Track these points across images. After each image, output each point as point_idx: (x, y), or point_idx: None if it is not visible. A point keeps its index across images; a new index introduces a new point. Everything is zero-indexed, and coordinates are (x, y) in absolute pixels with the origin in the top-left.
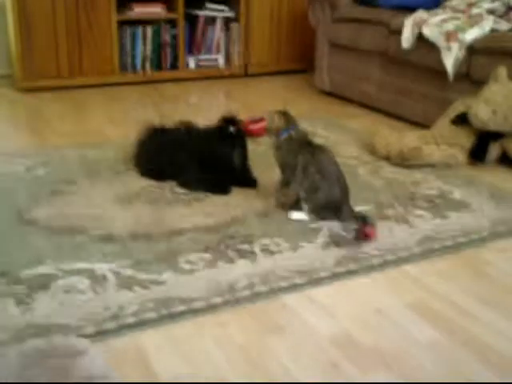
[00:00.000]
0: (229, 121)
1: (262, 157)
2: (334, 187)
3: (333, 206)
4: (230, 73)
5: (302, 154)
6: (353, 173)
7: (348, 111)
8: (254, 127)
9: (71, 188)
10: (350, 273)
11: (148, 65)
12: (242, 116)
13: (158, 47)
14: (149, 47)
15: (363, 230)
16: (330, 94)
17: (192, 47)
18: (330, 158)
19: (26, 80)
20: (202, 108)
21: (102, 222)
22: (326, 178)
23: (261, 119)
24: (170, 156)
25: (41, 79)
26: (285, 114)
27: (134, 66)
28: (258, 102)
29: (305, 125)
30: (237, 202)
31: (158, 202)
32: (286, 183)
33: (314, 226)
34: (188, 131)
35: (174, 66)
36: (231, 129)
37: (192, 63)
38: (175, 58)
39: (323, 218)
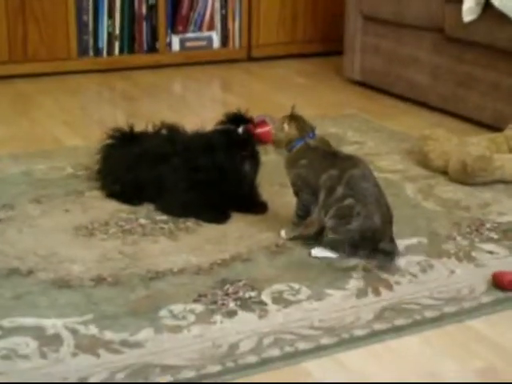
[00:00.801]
0: (236, 120)
1: (271, 169)
2: (372, 213)
3: (370, 239)
4: (227, 56)
5: (326, 170)
6: (396, 193)
7: (388, 108)
8: (262, 130)
9: (9, 215)
10: (395, 330)
11: (116, 46)
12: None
13: (130, 23)
14: (117, 23)
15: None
16: (362, 84)
17: (176, 23)
18: (365, 174)
19: None
20: (190, 105)
21: (55, 261)
22: (361, 201)
23: (267, 121)
24: (147, 171)
25: None
26: (295, 119)
27: (96, 49)
28: (265, 96)
29: (327, 127)
30: (238, 232)
31: (130, 233)
32: (304, 210)
33: (344, 265)
34: (172, 137)
35: (151, 48)
36: (240, 131)
37: (176, 44)
38: (153, 38)
39: (357, 255)
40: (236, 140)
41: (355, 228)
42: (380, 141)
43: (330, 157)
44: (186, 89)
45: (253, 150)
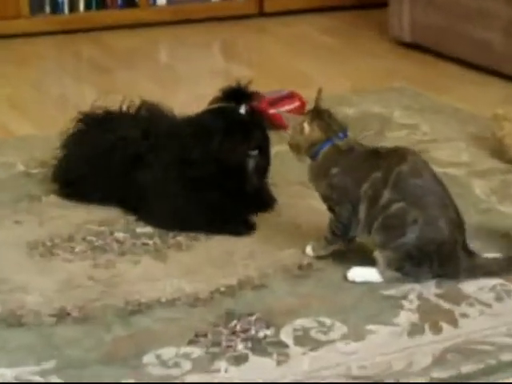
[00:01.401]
0: (237, 95)
1: (289, 163)
2: (435, 218)
3: (436, 253)
4: (231, 12)
5: (367, 175)
6: (461, 193)
7: (448, 78)
8: (279, 110)
9: None
10: (462, 378)
11: (81, 0)
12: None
13: None
14: None
15: None
16: (412, 46)
17: None
18: (417, 169)
19: None
20: (181, 78)
21: (3, 290)
22: (415, 204)
23: (288, 96)
24: (122, 168)
25: None
26: (319, 116)
27: (55, 4)
28: (281, 64)
29: (367, 106)
30: (247, 248)
31: (104, 251)
32: (343, 229)
33: (391, 291)
34: (154, 122)
35: (128, 2)
36: (242, 110)
37: None
38: None
39: (419, 276)
40: (238, 123)
41: (412, 241)
42: (438, 123)
43: (370, 157)
44: (176, 56)
45: (261, 137)
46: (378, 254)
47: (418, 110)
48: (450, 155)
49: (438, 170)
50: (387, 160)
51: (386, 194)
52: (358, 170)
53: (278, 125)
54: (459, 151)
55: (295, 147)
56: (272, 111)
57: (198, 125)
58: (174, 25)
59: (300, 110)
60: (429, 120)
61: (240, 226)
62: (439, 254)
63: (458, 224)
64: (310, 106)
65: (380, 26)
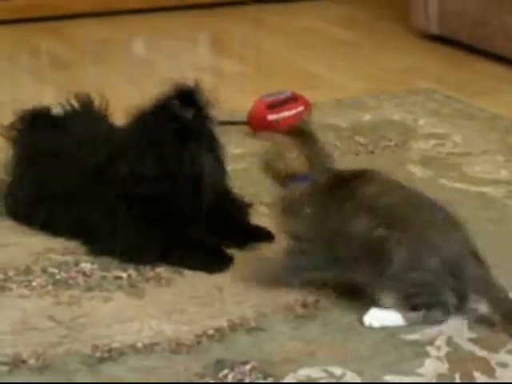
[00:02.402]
0: (184, 97)
1: None
2: (446, 242)
3: (451, 278)
4: None
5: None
6: (498, 218)
7: (484, 78)
8: (280, 116)
9: None
10: None
11: None
12: (249, 93)
13: None
14: None
15: None
16: (441, 39)
17: None
18: (387, 188)
19: None
20: (161, 76)
21: None
22: (395, 227)
23: (290, 99)
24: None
25: None
26: (306, 141)
27: None
28: (283, 60)
29: (387, 111)
30: (239, 281)
31: (67, 286)
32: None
33: (414, 336)
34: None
35: None
36: (187, 114)
37: None
38: None
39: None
40: (186, 128)
41: (421, 270)
42: (472, 132)
43: (335, 186)
44: (155, 49)
45: (210, 142)
46: (380, 297)
47: (448, 117)
48: (486, 171)
49: (470, 188)
50: (352, 184)
51: (360, 222)
52: (328, 204)
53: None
54: (497, 166)
55: (269, 170)
56: (271, 117)
57: (133, 129)
58: (152, 13)
59: (305, 116)
60: (460, 128)
61: (212, 259)
62: (431, 290)
63: (468, 252)
64: (311, 113)
65: (402, 15)
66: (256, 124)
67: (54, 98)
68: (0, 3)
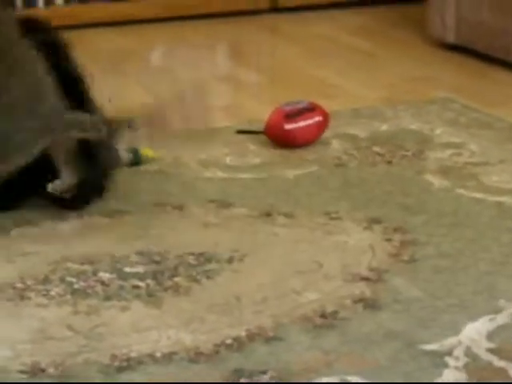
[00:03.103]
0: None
1: (311, 190)
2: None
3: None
4: (239, 6)
5: None
6: None
7: (503, 87)
8: (297, 126)
9: None
10: None
11: None
12: (266, 102)
13: None
14: None
15: None
16: (458, 48)
17: None
18: None
19: None
20: (179, 84)
21: None
22: None
23: (307, 109)
24: None
25: None
26: None
27: None
28: (299, 69)
29: (403, 120)
30: (257, 290)
31: (86, 295)
32: None
33: (432, 346)
34: None
35: None
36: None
37: None
38: None
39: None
40: None
41: None
42: (489, 142)
43: None
44: (172, 58)
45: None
46: None
47: (465, 126)
48: (504, 180)
49: (488, 198)
50: None
51: None
52: None
53: (295, 142)
54: None
55: None
56: (288, 127)
57: None
58: (171, 22)
59: (322, 126)
60: (478, 138)
61: None
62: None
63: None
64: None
65: (419, 24)
66: (273, 134)
67: None
68: (22, 11)
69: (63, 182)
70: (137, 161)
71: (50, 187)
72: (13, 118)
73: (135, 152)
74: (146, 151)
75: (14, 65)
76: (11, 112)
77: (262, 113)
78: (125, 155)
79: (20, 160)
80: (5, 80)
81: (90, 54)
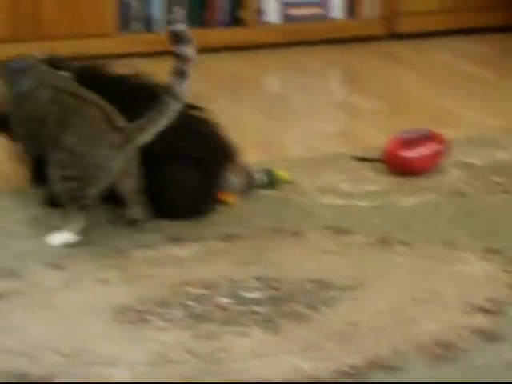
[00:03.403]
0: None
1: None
2: None
3: None
4: (355, 32)
5: None
6: None
7: None
8: (414, 154)
9: (14, 287)
10: None
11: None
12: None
13: None
14: None
15: None
16: None
17: None
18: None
19: None
20: (294, 110)
21: (84, 363)
22: None
23: (426, 137)
24: None
25: None
26: None
27: (147, 20)
28: (417, 97)
29: None
30: (376, 318)
31: (204, 319)
32: None
33: None
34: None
35: (233, 20)
36: None
37: (273, 12)
38: (236, 2)
39: None
40: None
41: None
42: None
43: None
44: (288, 83)
45: None
46: None
47: None
48: None
49: None
50: None
51: None
52: None
53: (412, 170)
54: None
55: None
56: (405, 155)
57: None
58: (287, 47)
59: (440, 154)
60: None
61: None
62: None
63: None
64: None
65: None
66: (391, 161)
67: None
68: (142, 35)
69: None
70: (271, 182)
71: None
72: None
73: (269, 174)
74: (280, 173)
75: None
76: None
77: (378, 140)
78: (259, 177)
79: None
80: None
81: (207, 78)
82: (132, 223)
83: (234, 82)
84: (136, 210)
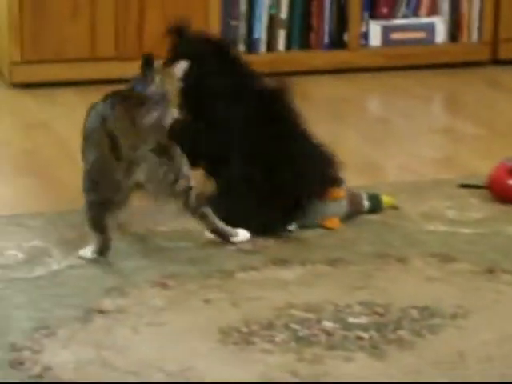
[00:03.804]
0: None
1: None
2: None
3: None
4: (458, 57)
5: None
6: None
7: None
8: None
9: (119, 305)
10: None
11: (281, 38)
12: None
13: (304, 1)
14: (284, 1)
15: None
16: None
17: (377, 1)
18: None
19: (25, 66)
20: (396, 134)
21: (191, 381)
22: None
23: None
24: None
25: (54, 65)
26: None
27: (250, 41)
28: None
29: None
30: (483, 347)
31: (309, 343)
32: None
33: None
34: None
35: (336, 42)
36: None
37: (376, 36)
38: (340, 25)
39: None
40: None
41: None
42: None
43: None
44: (390, 107)
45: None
46: None
47: None
48: None
49: None
50: None
51: None
52: None
53: None
54: None
55: None
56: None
57: None
58: (390, 71)
59: None
60: None
61: None
62: None
63: None
64: None
65: None
66: (496, 188)
67: None
68: (247, 56)
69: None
70: (376, 208)
71: None
72: None
73: (375, 198)
74: (387, 199)
75: None
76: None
77: (480, 166)
78: (365, 202)
79: None
80: None
81: (310, 101)
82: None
83: (337, 105)
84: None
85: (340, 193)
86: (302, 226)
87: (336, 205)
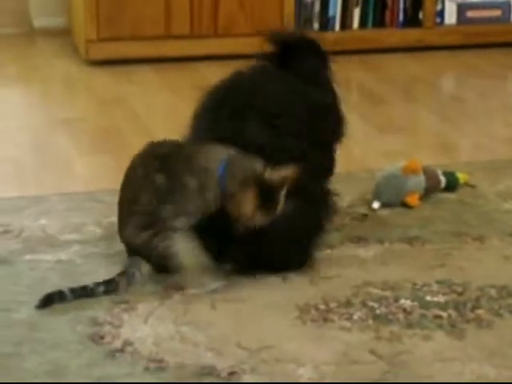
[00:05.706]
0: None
1: None
2: None
3: None
4: None
5: None
6: None
7: None
8: None
9: None
10: None
11: (356, 16)
12: None
13: None
14: None
15: None
16: None
17: None
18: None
19: (101, 44)
20: (471, 113)
21: (269, 359)
22: None
23: None
24: None
25: (130, 42)
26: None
27: (324, 19)
28: None
29: None
30: None
31: (387, 321)
32: None
33: None
34: None
35: (411, 21)
36: None
37: (452, 14)
38: (414, 4)
39: None
40: None
41: None
42: None
43: None
44: (465, 86)
45: None
46: None
47: None
48: None
49: None
50: None
51: None
52: None
53: None
54: None
55: None
56: None
57: None
58: (464, 49)
59: None
60: None
61: None
62: None
63: None
64: None
65: None
66: None
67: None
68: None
69: None
70: (452, 185)
71: None
72: None
73: (451, 176)
74: (462, 175)
75: None
76: None
77: None
78: (441, 179)
79: None
80: None
81: (383, 78)
82: None
83: (410, 83)
84: None
85: (418, 166)
86: (385, 204)
87: (416, 180)
